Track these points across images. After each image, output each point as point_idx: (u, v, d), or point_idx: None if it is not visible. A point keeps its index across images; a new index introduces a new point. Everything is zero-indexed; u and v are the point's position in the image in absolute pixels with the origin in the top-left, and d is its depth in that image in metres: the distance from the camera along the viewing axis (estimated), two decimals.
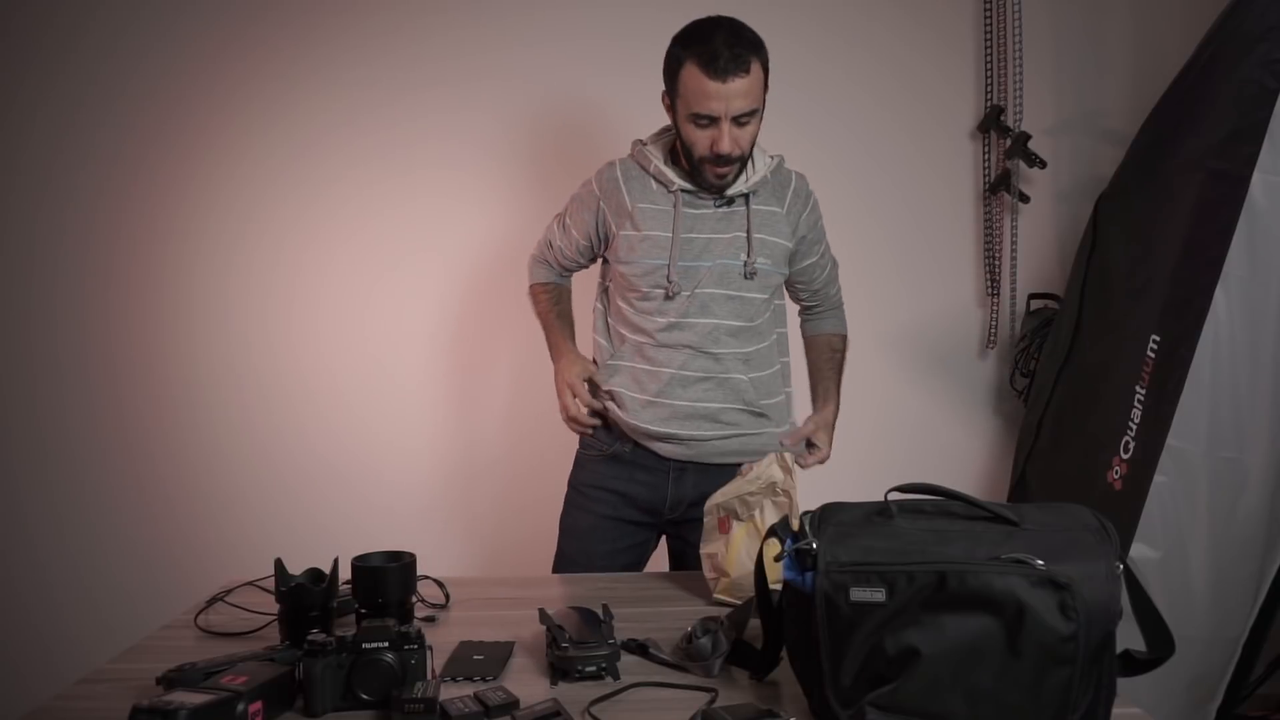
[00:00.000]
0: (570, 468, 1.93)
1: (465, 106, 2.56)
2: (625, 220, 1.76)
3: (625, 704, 1.16)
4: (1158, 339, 2.11)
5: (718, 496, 1.58)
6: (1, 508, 2.59)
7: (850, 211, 2.65)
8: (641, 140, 1.82)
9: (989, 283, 2.68)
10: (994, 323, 2.68)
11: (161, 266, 2.57)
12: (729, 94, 1.60)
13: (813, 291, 1.97)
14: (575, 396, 1.84)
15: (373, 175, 2.56)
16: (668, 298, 1.73)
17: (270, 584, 1.37)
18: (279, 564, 1.33)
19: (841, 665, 1.03)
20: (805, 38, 2.61)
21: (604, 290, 1.89)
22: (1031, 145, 2.54)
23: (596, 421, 1.84)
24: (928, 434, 2.70)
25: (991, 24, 2.61)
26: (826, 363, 1.99)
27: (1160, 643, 1.06)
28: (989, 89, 2.63)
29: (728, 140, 1.63)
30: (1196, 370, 2.04)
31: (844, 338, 2.02)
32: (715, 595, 1.55)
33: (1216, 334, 2.03)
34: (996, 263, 2.67)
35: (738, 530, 1.54)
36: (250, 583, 1.61)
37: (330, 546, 1.49)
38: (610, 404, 1.82)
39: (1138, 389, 2.14)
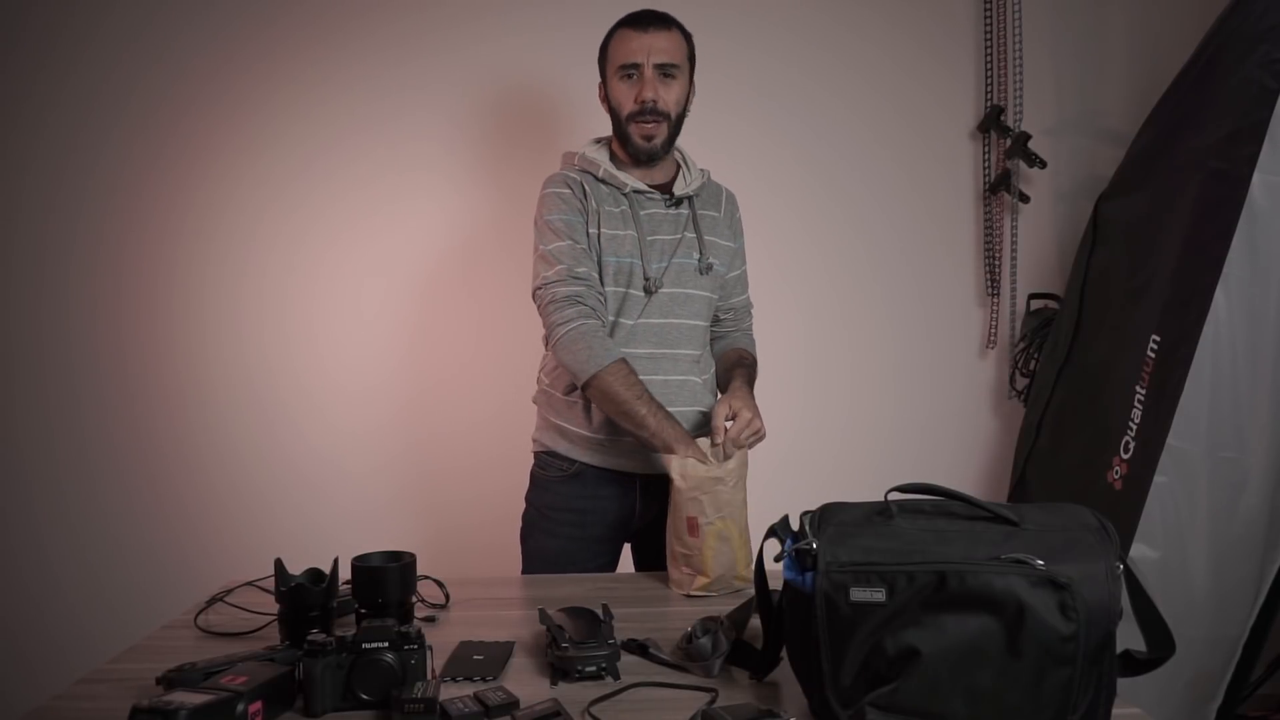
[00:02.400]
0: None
1: (470, 112, 2.56)
2: (593, 218, 1.74)
3: (625, 704, 1.16)
4: (1158, 339, 2.11)
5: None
6: (11, 507, 2.59)
7: (851, 212, 2.67)
8: (572, 151, 1.80)
9: (989, 283, 2.68)
10: (994, 323, 2.68)
11: (171, 268, 2.57)
12: (650, 41, 1.69)
13: (730, 309, 1.93)
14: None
15: (382, 178, 2.56)
16: (647, 293, 1.73)
17: (270, 584, 1.37)
18: (279, 564, 1.33)
19: (841, 665, 1.03)
20: (805, 36, 2.61)
21: None
22: (1031, 145, 2.54)
23: None
24: (928, 434, 2.70)
25: (991, 24, 2.61)
26: (735, 365, 1.84)
27: (1160, 643, 1.06)
28: (989, 89, 2.63)
29: (650, 86, 1.69)
30: (1196, 370, 2.04)
31: (754, 357, 1.91)
32: (691, 591, 1.56)
33: (1216, 334, 2.03)
34: (996, 263, 2.67)
35: (708, 531, 1.55)
36: (250, 583, 1.61)
37: (330, 546, 1.49)
38: (565, 425, 1.77)
39: (1138, 389, 2.13)
